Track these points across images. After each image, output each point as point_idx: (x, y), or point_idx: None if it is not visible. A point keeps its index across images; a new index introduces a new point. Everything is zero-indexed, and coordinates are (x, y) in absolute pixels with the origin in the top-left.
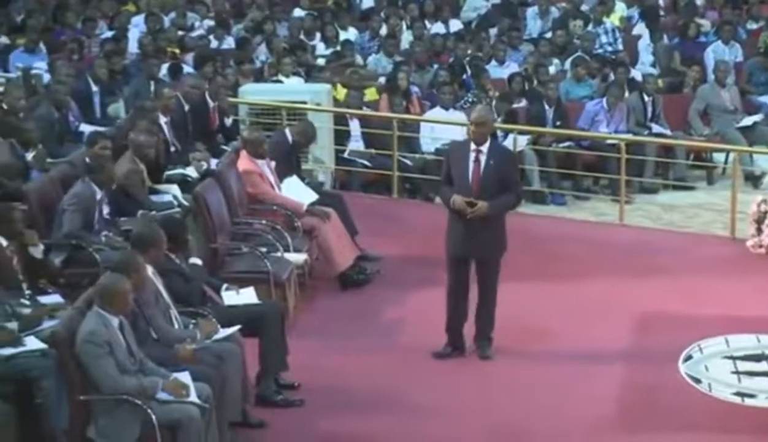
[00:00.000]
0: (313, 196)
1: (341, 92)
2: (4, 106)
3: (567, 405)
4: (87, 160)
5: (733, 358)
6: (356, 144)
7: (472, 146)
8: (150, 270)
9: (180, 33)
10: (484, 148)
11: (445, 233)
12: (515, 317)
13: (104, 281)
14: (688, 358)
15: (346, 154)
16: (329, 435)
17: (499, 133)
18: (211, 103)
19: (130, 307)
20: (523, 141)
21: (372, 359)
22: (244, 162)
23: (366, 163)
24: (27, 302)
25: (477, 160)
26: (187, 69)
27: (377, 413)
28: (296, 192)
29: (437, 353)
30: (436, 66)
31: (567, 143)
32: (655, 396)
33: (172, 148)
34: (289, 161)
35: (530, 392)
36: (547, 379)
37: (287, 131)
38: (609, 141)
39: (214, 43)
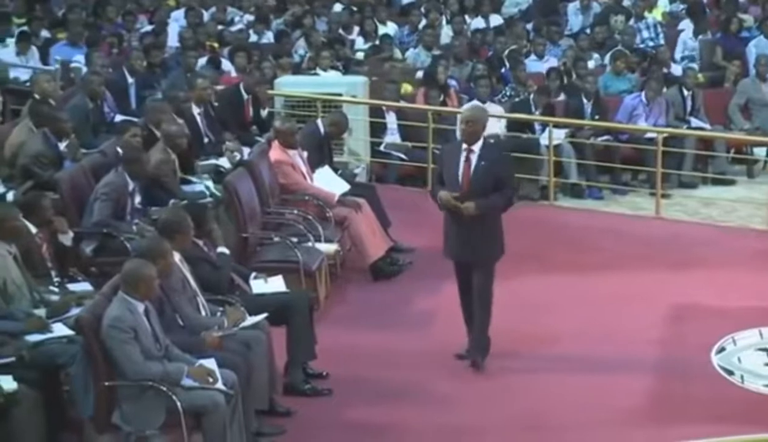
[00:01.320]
0: (344, 187)
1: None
2: (36, 96)
3: (595, 396)
4: (119, 149)
5: (767, 350)
6: (392, 137)
7: (464, 146)
8: (177, 257)
9: (219, 27)
10: (476, 147)
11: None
12: (546, 308)
13: (129, 267)
14: (721, 350)
15: (382, 147)
16: (356, 424)
17: (537, 127)
18: (245, 96)
19: (155, 293)
20: (560, 134)
21: (401, 350)
22: (275, 152)
23: (402, 156)
24: (56, 289)
25: (468, 160)
26: (225, 63)
27: (404, 404)
28: (328, 182)
29: (460, 355)
30: (474, 60)
31: (605, 137)
32: (687, 387)
33: (206, 139)
34: (321, 152)
35: (558, 383)
36: (576, 370)
37: (319, 122)
38: (648, 135)
39: (253, 38)
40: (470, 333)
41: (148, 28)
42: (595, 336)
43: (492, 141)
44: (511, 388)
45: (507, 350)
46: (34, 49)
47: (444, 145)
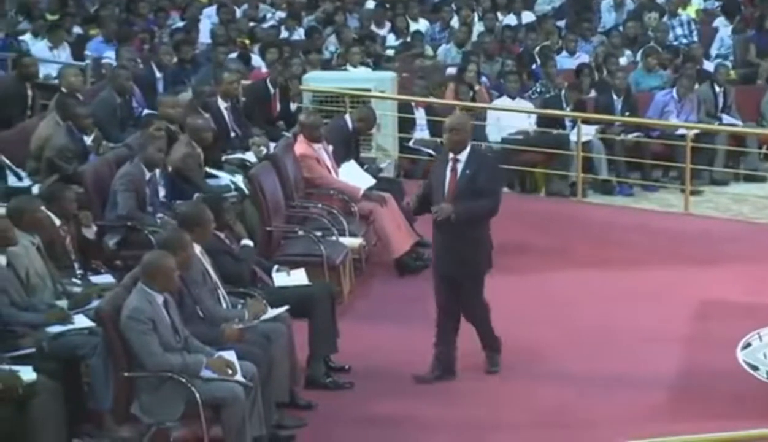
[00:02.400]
0: (370, 181)
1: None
2: (63, 89)
3: (618, 392)
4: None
5: None
6: (422, 133)
7: (450, 155)
8: (198, 249)
9: (251, 24)
10: (462, 156)
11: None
12: (571, 303)
13: (148, 258)
14: (747, 345)
15: (411, 143)
16: (377, 418)
17: (567, 123)
18: (272, 90)
19: (175, 284)
20: (590, 131)
21: (424, 345)
22: (301, 146)
23: (431, 152)
24: (78, 281)
25: (454, 169)
26: (256, 58)
27: (426, 399)
28: (353, 177)
29: (419, 378)
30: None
31: (636, 133)
32: (711, 383)
33: (233, 134)
34: (348, 146)
35: (581, 379)
36: (599, 366)
37: (347, 117)
38: (679, 132)
39: (284, 34)
40: (437, 354)
41: (180, 24)
42: (620, 332)
43: (481, 149)
44: (533, 383)
45: (530, 344)
46: (65, 44)
47: (438, 154)
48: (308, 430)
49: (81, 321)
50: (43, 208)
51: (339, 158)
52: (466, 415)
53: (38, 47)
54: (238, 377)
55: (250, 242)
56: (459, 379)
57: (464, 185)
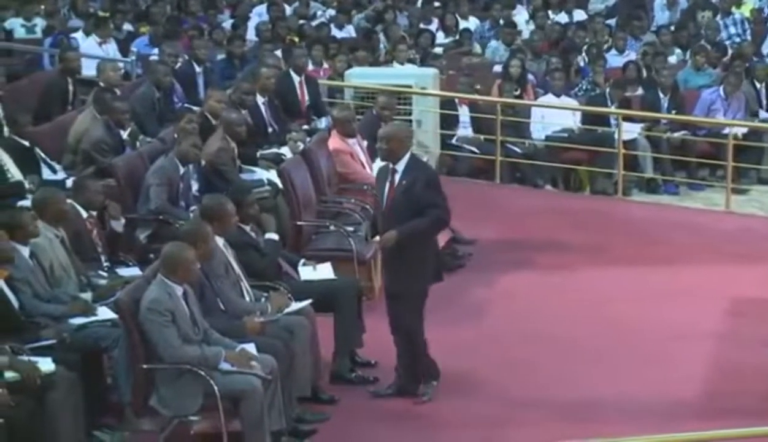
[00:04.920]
0: None
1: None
2: (102, 84)
3: (648, 388)
4: (176, 136)
5: None
6: (465, 130)
7: (390, 166)
8: (221, 242)
9: (300, 22)
10: (399, 166)
11: None
12: (609, 300)
13: (168, 250)
14: None
15: (453, 140)
16: (400, 413)
17: (612, 121)
18: (296, 78)
19: (194, 276)
20: (635, 129)
21: (455, 341)
22: (334, 141)
23: (474, 149)
24: (104, 274)
25: (392, 180)
26: None
27: (451, 394)
28: None
29: (375, 392)
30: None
31: (682, 132)
32: (741, 379)
33: (270, 129)
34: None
35: (609, 374)
36: (629, 361)
37: (374, 110)
38: (725, 131)
39: (334, 32)
40: (396, 370)
41: (229, 21)
42: (653, 328)
43: (419, 159)
44: (560, 379)
45: (565, 341)
46: (112, 40)
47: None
48: (330, 424)
49: (104, 313)
50: (69, 200)
51: (373, 153)
52: (490, 410)
53: (88, 44)
54: (257, 370)
55: (274, 236)
56: (486, 374)
57: (401, 195)
